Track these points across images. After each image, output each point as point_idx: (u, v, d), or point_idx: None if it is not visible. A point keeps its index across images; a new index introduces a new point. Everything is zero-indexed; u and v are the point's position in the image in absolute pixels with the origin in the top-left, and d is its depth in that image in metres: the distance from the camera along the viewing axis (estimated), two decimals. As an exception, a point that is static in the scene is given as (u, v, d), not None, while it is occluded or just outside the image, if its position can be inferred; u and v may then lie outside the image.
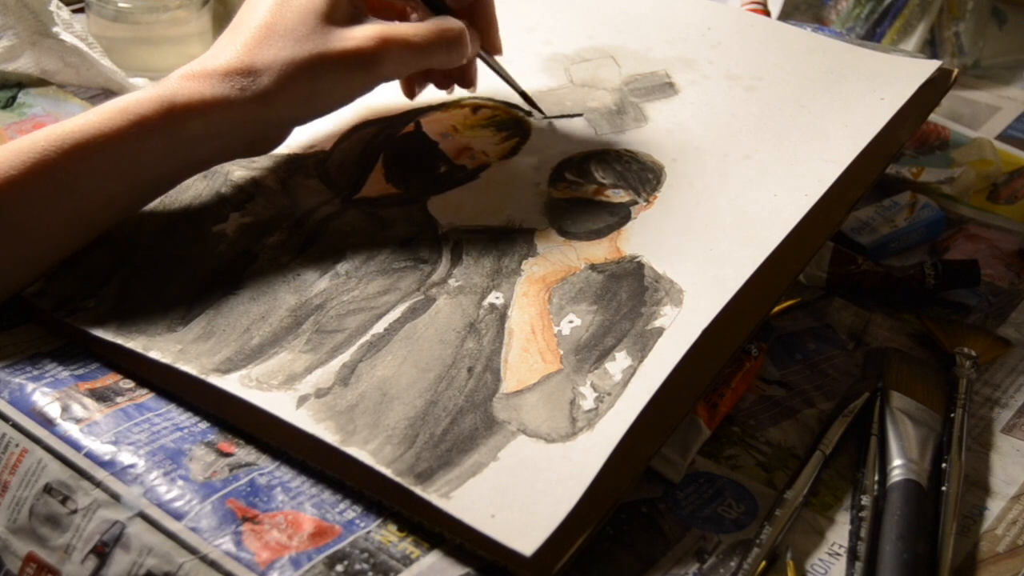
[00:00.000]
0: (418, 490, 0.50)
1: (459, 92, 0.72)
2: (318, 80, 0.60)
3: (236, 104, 0.59)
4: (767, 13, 0.89)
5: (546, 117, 0.71)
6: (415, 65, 0.64)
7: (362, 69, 0.61)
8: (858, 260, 0.71)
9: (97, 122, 0.57)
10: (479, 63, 0.69)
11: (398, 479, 0.50)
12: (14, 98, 0.78)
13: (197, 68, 0.60)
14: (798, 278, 0.69)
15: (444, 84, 0.70)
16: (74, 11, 0.82)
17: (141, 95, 0.58)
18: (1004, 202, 0.83)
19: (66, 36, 0.78)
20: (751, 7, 0.88)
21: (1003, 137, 0.92)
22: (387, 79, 0.63)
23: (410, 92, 0.70)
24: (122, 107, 0.58)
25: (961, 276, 0.71)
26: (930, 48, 0.99)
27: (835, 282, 0.71)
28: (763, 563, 0.52)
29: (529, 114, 0.71)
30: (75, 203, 0.58)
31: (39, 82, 0.79)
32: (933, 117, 0.89)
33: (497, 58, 0.69)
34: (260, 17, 0.60)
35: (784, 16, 0.99)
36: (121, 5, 0.81)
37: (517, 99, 0.72)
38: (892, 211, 0.77)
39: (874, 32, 0.99)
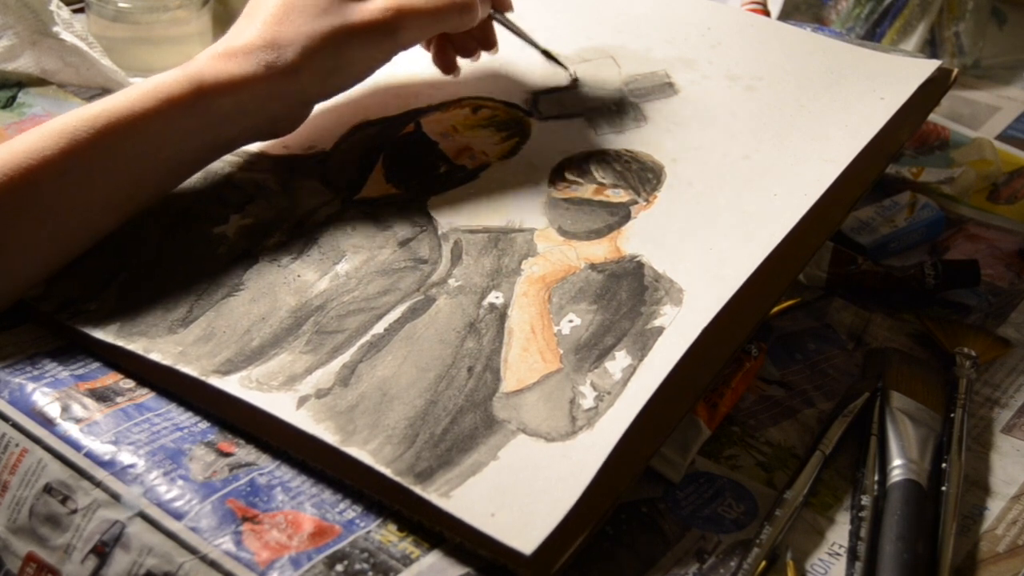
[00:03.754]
0: (418, 489, 0.50)
1: (461, 91, 0.72)
2: (341, 52, 0.62)
3: (263, 80, 0.60)
4: (767, 13, 0.89)
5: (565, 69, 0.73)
6: (431, 30, 0.67)
7: (382, 38, 0.64)
8: (858, 260, 0.71)
9: (128, 102, 0.58)
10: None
11: (398, 479, 0.50)
12: (14, 98, 0.78)
13: (222, 48, 0.61)
14: (798, 278, 0.69)
15: (469, 51, 0.72)
16: (74, 11, 0.82)
17: (170, 75, 0.60)
18: (1004, 202, 0.83)
19: (66, 36, 0.78)
20: (751, 7, 0.88)
21: (1003, 137, 0.92)
22: (405, 47, 0.66)
23: (448, 66, 0.72)
24: (152, 87, 0.59)
25: (961, 276, 0.71)
26: (930, 48, 0.99)
27: (835, 282, 0.71)
28: (763, 563, 0.52)
29: (529, 114, 0.71)
30: (106, 183, 0.59)
31: (39, 82, 0.79)
32: (933, 117, 0.89)
33: (511, 16, 0.72)
34: None
35: (784, 16, 0.99)
36: (121, 5, 0.81)
37: (517, 99, 0.72)
38: (892, 211, 0.77)
39: (874, 32, 0.99)
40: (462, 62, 0.73)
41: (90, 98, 0.79)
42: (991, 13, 1.03)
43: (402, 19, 0.63)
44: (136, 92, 0.59)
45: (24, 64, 0.79)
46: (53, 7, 0.78)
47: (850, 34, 0.95)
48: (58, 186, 0.57)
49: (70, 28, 0.79)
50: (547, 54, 0.74)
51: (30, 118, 0.76)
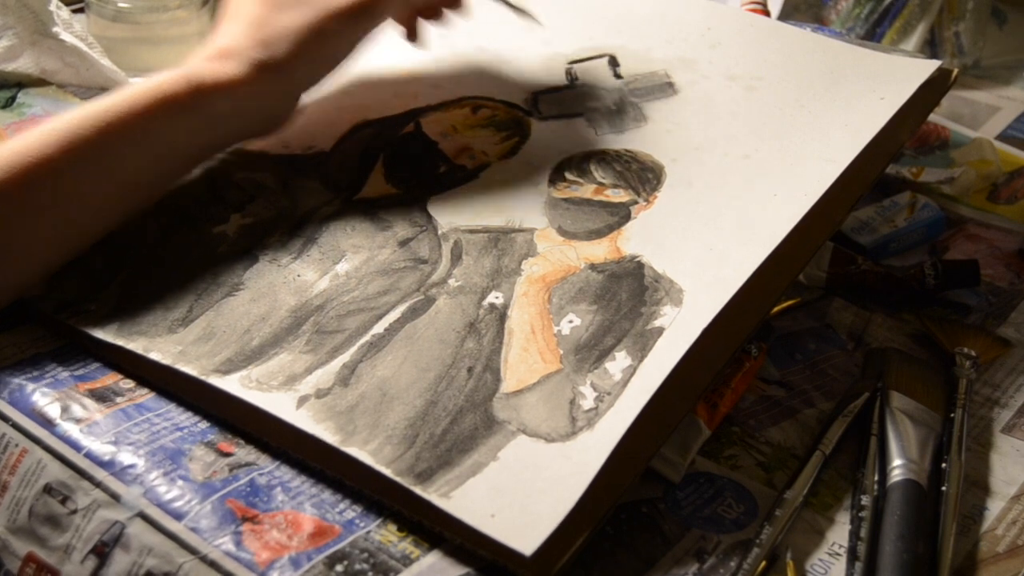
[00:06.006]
0: (418, 490, 0.50)
1: (461, 91, 0.72)
2: (328, 39, 0.63)
3: (257, 79, 0.61)
4: (767, 13, 0.89)
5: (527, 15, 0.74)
6: (414, 1, 0.68)
7: (367, 17, 0.65)
8: (858, 260, 0.71)
9: (127, 102, 0.59)
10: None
11: (398, 479, 0.50)
12: (13, 98, 0.78)
13: (215, 50, 0.62)
14: (798, 278, 0.69)
15: (435, 14, 0.71)
16: (74, 11, 0.82)
17: (168, 76, 0.60)
18: (1004, 202, 0.83)
19: (66, 36, 0.78)
20: (751, 7, 0.88)
21: (1003, 137, 0.92)
22: (382, 21, 0.66)
23: (412, 35, 0.72)
24: (152, 87, 0.60)
25: (961, 276, 0.71)
26: (930, 48, 0.99)
27: (835, 282, 0.71)
28: (763, 563, 0.52)
29: (529, 114, 0.71)
30: (105, 182, 0.59)
31: (39, 82, 0.79)
32: (933, 117, 0.89)
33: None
34: None
35: (784, 16, 0.99)
36: (121, 5, 0.81)
37: (517, 99, 0.72)
38: (892, 211, 0.77)
39: (874, 32, 0.99)
40: (463, 62, 0.73)
41: (90, 98, 0.79)
42: (991, 13, 1.03)
43: None
44: (135, 92, 0.59)
45: (24, 64, 0.79)
46: (53, 7, 0.78)
47: (850, 34, 0.95)
48: (57, 185, 0.57)
49: (70, 28, 0.79)
50: (513, 6, 0.74)
51: (30, 118, 0.76)
